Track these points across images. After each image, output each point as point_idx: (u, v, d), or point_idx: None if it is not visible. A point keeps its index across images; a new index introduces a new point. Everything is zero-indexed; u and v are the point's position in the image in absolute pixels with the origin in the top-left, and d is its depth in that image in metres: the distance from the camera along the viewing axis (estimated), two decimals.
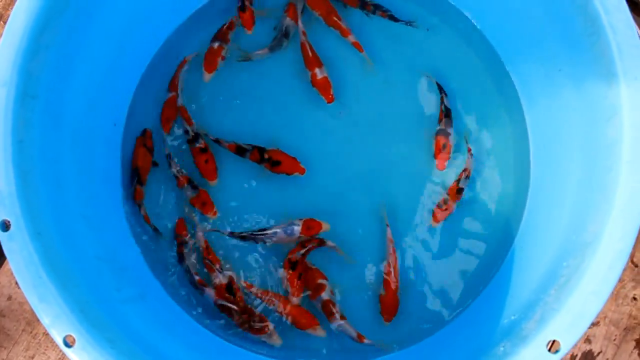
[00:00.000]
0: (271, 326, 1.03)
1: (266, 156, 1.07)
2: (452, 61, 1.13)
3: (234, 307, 1.03)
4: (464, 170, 1.07)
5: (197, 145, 1.08)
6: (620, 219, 0.80)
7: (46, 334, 1.11)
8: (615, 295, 1.11)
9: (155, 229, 1.07)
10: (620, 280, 1.11)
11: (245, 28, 1.12)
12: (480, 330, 0.97)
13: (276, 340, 1.03)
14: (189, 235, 1.07)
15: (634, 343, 1.10)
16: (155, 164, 1.10)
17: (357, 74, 1.13)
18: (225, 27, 1.13)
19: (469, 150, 1.08)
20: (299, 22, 1.11)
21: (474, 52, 1.13)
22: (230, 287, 1.04)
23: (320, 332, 1.03)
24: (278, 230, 1.05)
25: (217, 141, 1.09)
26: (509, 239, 1.06)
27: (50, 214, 0.87)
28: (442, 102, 1.09)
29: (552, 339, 0.78)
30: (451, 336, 1.02)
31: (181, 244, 1.07)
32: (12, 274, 0.81)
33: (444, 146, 1.07)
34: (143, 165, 1.08)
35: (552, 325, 0.79)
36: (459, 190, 1.07)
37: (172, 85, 1.11)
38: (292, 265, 1.04)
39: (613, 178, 0.82)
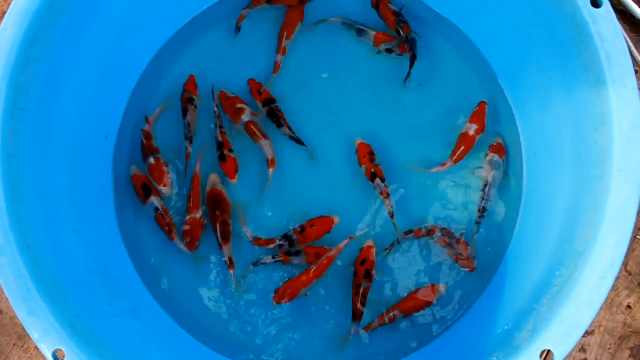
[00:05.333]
0: None
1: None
2: (445, 73, 1.14)
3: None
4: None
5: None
6: (612, 227, 0.80)
7: (37, 349, 1.10)
8: (609, 304, 1.11)
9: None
10: (615, 288, 1.11)
11: (228, 178, 1.07)
12: (473, 341, 0.97)
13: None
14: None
15: (628, 352, 1.10)
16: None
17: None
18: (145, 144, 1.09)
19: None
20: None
21: (467, 63, 1.14)
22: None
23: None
24: None
25: None
26: (501, 248, 1.06)
27: (40, 227, 0.87)
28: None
29: (546, 349, 0.78)
30: (444, 347, 1.02)
31: (187, 101, 1.10)
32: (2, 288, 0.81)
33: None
34: None
35: (545, 335, 0.79)
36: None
37: (192, 207, 1.07)
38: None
39: (604, 186, 0.82)
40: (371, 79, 1.14)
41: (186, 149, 1.08)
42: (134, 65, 1.12)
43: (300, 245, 1.06)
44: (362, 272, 1.03)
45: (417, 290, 1.05)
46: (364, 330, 1.03)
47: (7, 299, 1.08)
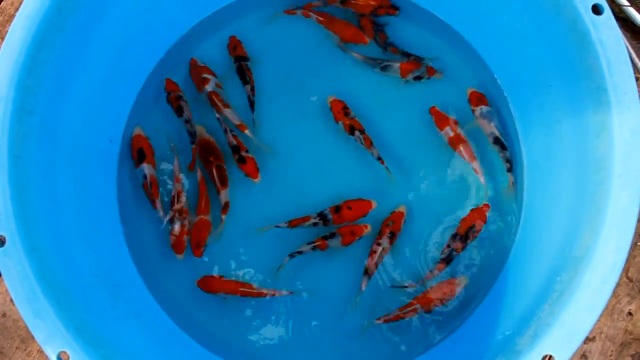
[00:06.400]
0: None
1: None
2: (446, 79, 1.14)
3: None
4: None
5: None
6: (613, 232, 0.81)
7: (40, 352, 1.10)
8: (610, 311, 1.11)
9: None
10: (616, 295, 1.11)
11: (251, 178, 1.08)
12: (475, 346, 0.97)
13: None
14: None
15: (629, 358, 1.10)
16: None
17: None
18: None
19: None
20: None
21: (468, 69, 1.14)
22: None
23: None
24: None
25: None
26: (502, 254, 1.06)
27: (45, 230, 0.88)
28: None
29: (547, 354, 0.78)
30: (445, 353, 1.02)
31: (177, 99, 1.11)
32: (7, 291, 0.81)
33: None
34: None
35: (546, 340, 0.79)
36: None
37: (202, 209, 1.08)
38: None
39: (604, 192, 0.83)
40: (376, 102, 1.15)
41: (192, 143, 1.08)
42: (139, 69, 1.13)
43: (334, 224, 1.06)
44: (387, 232, 1.05)
45: (438, 284, 1.05)
46: (381, 322, 1.03)
47: (10, 302, 1.11)
